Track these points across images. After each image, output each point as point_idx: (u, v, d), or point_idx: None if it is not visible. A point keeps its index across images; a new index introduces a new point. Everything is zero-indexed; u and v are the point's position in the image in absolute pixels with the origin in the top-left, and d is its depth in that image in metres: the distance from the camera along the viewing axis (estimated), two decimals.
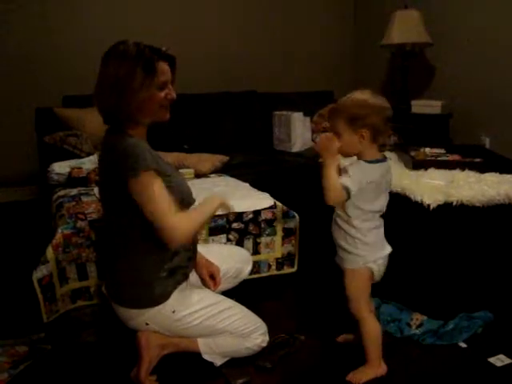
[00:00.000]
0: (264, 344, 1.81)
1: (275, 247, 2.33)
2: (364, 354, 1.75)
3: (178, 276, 1.68)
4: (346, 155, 1.68)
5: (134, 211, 1.53)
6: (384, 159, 1.67)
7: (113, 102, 1.52)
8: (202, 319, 1.69)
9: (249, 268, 2.08)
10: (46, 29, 3.68)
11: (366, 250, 1.68)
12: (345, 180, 1.59)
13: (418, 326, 2.02)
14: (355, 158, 1.69)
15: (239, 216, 2.23)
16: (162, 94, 1.58)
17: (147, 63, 1.51)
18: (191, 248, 1.75)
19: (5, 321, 2.15)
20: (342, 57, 4.78)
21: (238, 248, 2.17)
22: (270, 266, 2.34)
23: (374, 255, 1.69)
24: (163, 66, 1.57)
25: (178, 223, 1.52)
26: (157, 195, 1.50)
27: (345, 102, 1.62)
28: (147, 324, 1.67)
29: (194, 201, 1.75)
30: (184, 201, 1.68)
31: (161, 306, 1.63)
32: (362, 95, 1.60)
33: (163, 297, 1.64)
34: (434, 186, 2.11)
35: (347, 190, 1.58)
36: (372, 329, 1.73)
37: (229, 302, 1.77)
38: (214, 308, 1.71)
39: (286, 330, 2.02)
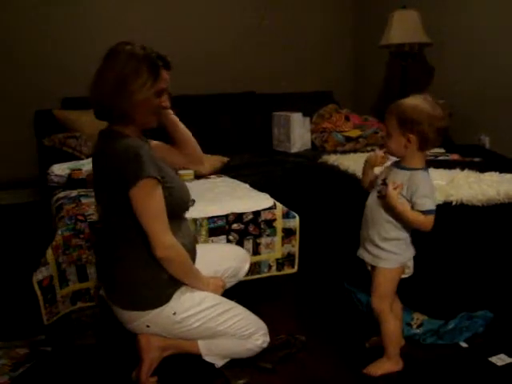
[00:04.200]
0: (265, 345, 1.81)
1: (275, 248, 2.33)
2: (383, 349, 1.79)
3: None
4: (393, 155, 1.70)
5: (133, 213, 1.54)
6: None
7: (111, 97, 1.53)
8: (202, 321, 1.68)
9: (246, 267, 2.07)
10: (45, 31, 3.68)
11: (408, 249, 1.74)
12: (423, 204, 1.62)
13: (419, 326, 2.02)
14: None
15: (239, 217, 2.23)
16: (158, 101, 1.60)
17: (153, 67, 1.55)
18: (191, 250, 1.75)
19: (5, 323, 2.15)
20: (341, 57, 4.78)
21: (235, 247, 2.16)
22: (270, 266, 2.34)
23: (412, 253, 1.75)
24: (165, 74, 1.60)
25: (170, 243, 1.57)
26: (153, 209, 1.54)
27: (402, 104, 1.61)
28: (148, 326, 1.66)
29: (192, 201, 1.75)
30: (184, 201, 1.71)
31: (161, 308, 1.63)
32: (421, 101, 1.59)
33: (164, 299, 1.63)
34: (434, 186, 2.11)
35: (432, 211, 1.63)
36: (392, 324, 1.76)
37: (229, 304, 1.77)
38: (214, 310, 1.70)
39: (287, 331, 2.02)
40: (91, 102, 1.59)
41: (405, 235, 1.71)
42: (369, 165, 1.78)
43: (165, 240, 1.56)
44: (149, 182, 1.52)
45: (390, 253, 1.70)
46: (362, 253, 1.79)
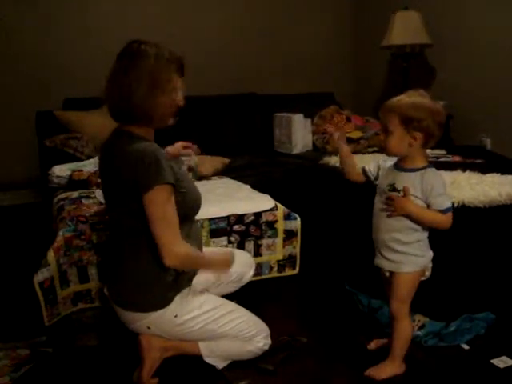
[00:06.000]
0: (266, 347, 1.81)
1: (276, 249, 2.33)
2: (389, 351, 1.78)
3: (182, 281, 1.67)
4: (392, 154, 1.67)
5: (143, 216, 1.53)
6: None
7: (146, 99, 1.52)
8: (203, 323, 1.68)
9: (251, 272, 2.07)
10: (46, 32, 3.69)
11: (428, 250, 1.72)
12: (441, 203, 1.59)
13: (420, 328, 2.02)
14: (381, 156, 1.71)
15: (240, 218, 2.22)
16: (177, 100, 1.62)
17: (180, 68, 1.59)
18: None
19: (6, 324, 2.15)
20: (343, 58, 4.78)
21: (240, 252, 2.15)
22: (271, 267, 2.34)
23: (431, 254, 1.73)
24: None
25: (180, 253, 1.55)
26: (167, 216, 1.53)
27: (402, 101, 1.58)
28: (149, 328, 1.66)
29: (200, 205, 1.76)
30: (197, 203, 1.72)
31: (163, 310, 1.63)
32: (420, 97, 1.58)
33: (166, 301, 1.63)
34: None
35: (450, 209, 1.61)
36: (408, 328, 1.75)
37: (231, 306, 1.76)
38: (215, 312, 1.70)
39: (288, 332, 2.01)
40: (111, 103, 1.57)
41: (425, 235, 1.69)
42: (342, 153, 1.84)
43: (174, 250, 1.53)
44: (165, 188, 1.50)
45: (413, 256, 1.67)
46: (379, 261, 1.74)
